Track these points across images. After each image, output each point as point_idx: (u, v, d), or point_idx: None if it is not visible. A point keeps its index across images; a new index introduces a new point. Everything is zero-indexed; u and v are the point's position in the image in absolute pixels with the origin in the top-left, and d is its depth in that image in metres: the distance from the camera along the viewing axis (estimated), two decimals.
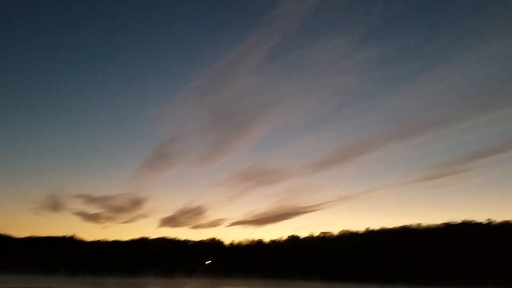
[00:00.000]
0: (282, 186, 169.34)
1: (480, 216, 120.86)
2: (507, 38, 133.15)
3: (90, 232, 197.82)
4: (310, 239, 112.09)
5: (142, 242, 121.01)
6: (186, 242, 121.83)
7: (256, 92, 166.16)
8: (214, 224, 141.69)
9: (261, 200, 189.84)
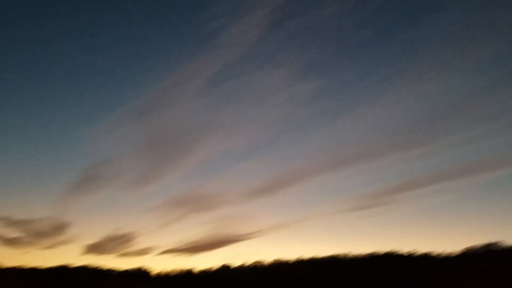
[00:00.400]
0: (216, 213, 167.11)
1: (403, 246, 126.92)
2: (428, 82, 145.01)
3: (7, 258, 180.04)
4: (242, 268, 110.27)
5: (63, 270, 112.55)
6: (110, 271, 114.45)
7: (195, 117, 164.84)
8: (143, 252, 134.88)
9: (194, 228, 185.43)
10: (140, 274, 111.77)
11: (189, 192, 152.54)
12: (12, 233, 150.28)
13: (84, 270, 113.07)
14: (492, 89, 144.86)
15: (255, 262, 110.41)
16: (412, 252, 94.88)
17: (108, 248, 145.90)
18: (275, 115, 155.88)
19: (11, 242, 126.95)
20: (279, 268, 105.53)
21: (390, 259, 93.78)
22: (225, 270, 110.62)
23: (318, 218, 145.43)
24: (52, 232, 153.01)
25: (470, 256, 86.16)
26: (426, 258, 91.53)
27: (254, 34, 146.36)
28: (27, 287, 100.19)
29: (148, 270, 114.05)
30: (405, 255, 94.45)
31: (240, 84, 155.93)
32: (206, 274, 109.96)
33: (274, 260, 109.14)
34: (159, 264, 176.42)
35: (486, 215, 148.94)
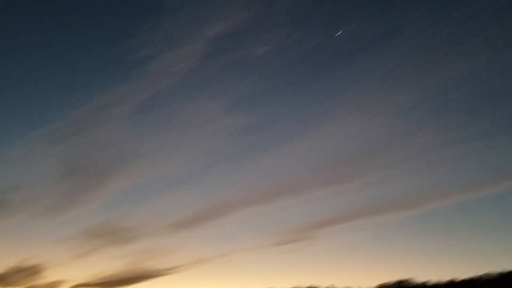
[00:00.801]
0: (135, 246, 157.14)
1: (323, 282, 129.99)
2: (359, 120, 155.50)
3: None
4: None
5: None
6: None
7: (118, 144, 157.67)
8: (53, 285, 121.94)
9: (111, 261, 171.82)
10: None
11: (107, 222, 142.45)
12: None
13: None
14: (412, 131, 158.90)
15: None
16: (330, 287, 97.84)
17: (12, 281, 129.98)
18: (204, 146, 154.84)
19: None
20: None
21: None
22: None
23: (242, 252, 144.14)
24: None
25: None
26: None
27: (188, 64, 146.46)
28: None
29: None
30: None
31: (170, 112, 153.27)
32: None
33: None
34: None
35: (399, 253, 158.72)
